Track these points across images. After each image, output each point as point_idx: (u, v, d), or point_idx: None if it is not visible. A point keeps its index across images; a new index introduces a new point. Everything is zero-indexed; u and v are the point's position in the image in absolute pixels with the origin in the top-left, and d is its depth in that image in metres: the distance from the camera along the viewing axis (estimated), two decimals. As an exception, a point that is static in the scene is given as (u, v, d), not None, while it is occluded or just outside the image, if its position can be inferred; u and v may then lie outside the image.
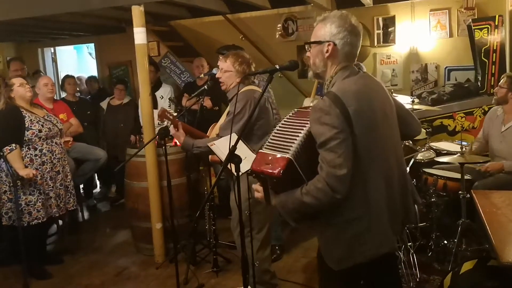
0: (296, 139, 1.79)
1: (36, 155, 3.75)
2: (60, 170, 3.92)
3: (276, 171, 1.74)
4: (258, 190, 1.98)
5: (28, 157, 3.71)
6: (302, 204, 1.78)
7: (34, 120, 3.74)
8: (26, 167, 3.64)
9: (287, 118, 1.94)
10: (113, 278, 3.87)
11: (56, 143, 3.90)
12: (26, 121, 3.70)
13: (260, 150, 1.90)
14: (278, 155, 1.79)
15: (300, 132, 1.81)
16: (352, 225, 1.83)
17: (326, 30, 1.90)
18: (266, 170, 1.79)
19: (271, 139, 1.90)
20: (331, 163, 1.71)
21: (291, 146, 1.78)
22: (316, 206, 1.77)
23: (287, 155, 1.76)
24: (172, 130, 3.23)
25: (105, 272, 3.99)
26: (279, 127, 1.92)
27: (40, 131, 3.74)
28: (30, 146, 3.72)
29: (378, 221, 1.84)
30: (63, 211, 3.98)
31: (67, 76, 5.81)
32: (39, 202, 3.72)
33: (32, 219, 3.69)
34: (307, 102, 4.98)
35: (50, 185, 3.82)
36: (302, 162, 1.77)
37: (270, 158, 1.81)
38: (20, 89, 3.79)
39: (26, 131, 3.68)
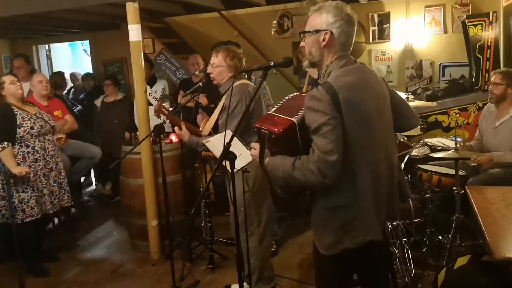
0: (301, 111, 1.87)
1: (28, 153, 3.73)
2: (54, 167, 3.90)
3: (276, 129, 1.83)
4: (255, 147, 2.02)
5: (20, 155, 3.69)
6: (290, 177, 1.83)
7: (25, 118, 3.72)
8: (18, 164, 3.63)
9: (288, 98, 2.02)
10: (109, 275, 3.87)
11: (48, 140, 3.89)
12: (17, 119, 3.68)
13: (268, 112, 2.00)
14: (285, 117, 1.88)
15: (302, 109, 1.88)
16: (341, 212, 1.88)
17: (323, 19, 1.91)
18: (267, 126, 1.88)
19: (278, 107, 1.97)
20: (322, 149, 1.75)
21: (297, 114, 1.86)
22: (304, 184, 1.82)
23: (293, 119, 1.84)
24: (176, 130, 3.25)
25: (101, 269, 3.98)
26: (284, 102, 2.01)
27: (32, 128, 3.72)
28: (23, 144, 3.71)
29: (365, 210, 1.88)
30: (57, 208, 3.96)
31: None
32: (33, 199, 3.71)
33: (25, 217, 3.68)
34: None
35: (43, 182, 3.81)
36: (303, 134, 1.83)
37: (275, 118, 1.90)
38: (11, 86, 3.76)
39: (17, 129, 3.66)
